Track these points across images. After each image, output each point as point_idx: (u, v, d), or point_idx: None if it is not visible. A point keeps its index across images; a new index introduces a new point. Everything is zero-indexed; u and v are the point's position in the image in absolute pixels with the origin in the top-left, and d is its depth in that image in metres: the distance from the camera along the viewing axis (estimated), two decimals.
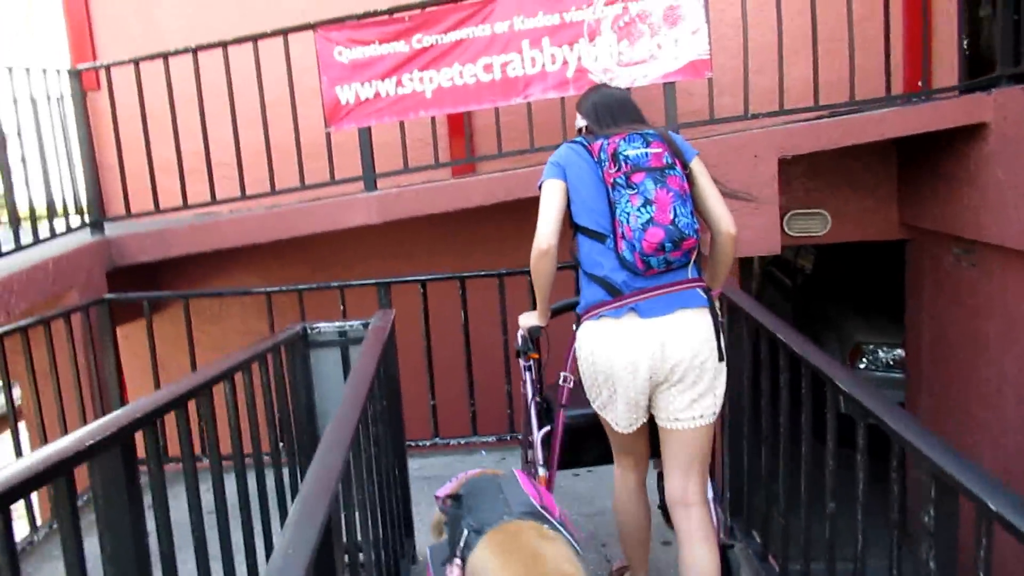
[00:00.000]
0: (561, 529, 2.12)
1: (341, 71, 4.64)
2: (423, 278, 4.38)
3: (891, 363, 6.93)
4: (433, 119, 4.86)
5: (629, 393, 2.44)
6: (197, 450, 2.16)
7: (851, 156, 5.38)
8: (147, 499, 1.74)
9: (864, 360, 6.99)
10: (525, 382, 3.13)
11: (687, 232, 2.37)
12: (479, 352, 4.47)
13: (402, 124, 4.77)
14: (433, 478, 4.12)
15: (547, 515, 2.13)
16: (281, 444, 3.03)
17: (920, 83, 5.23)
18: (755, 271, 10.07)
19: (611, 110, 2.61)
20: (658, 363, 2.40)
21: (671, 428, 2.50)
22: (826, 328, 7.71)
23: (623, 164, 2.41)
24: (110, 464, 1.50)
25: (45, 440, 3.80)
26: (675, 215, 2.36)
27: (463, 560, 2.06)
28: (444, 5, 4.54)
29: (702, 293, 2.47)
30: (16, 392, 5.85)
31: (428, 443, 4.41)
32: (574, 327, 2.61)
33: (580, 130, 2.72)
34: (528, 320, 2.89)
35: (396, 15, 4.57)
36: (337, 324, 3.14)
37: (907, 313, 5.84)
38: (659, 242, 2.35)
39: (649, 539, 2.79)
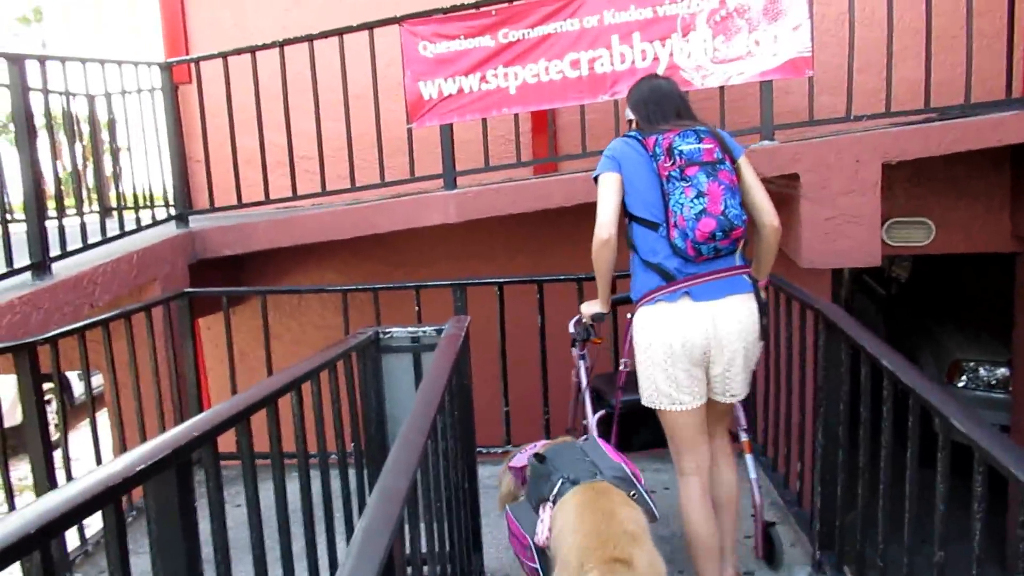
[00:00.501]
0: (648, 498, 2.34)
1: (425, 66, 4.57)
2: (500, 280, 4.26)
3: (993, 383, 6.50)
4: (516, 116, 4.74)
5: (691, 369, 2.62)
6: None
7: (960, 161, 5.01)
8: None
9: (964, 378, 6.57)
10: (579, 369, 3.30)
11: (736, 222, 2.56)
12: (555, 358, 4.33)
13: (484, 121, 4.67)
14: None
15: (635, 482, 2.35)
16: (350, 449, 2.96)
17: None
18: (845, 278, 9.62)
19: (659, 104, 2.75)
20: (711, 342, 2.59)
21: (716, 401, 2.73)
22: (922, 342, 7.28)
23: (678, 158, 2.58)
24: (164, 486, 1.43)
25: (122, 430, 3.84)
26: (725, 206, 2.55)
27: (554, 503, 2.29)
28: None
29: (748, 279, 2.67)
30: (97, 379, 6.01)
31: (500, 450, 4.29)
32: (628, 316, 2.78)
33: (631, 122, 2.88)
34: (591, 307, 3.01)
35: (483, 9, 4.46)
36: (410, 329, 3.04)
37: (1016, 331, 5.43)
38: (711, 231, 2.53)
39: (720, 554, 2.73)
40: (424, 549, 2.18)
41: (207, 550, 1.72)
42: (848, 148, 4.09)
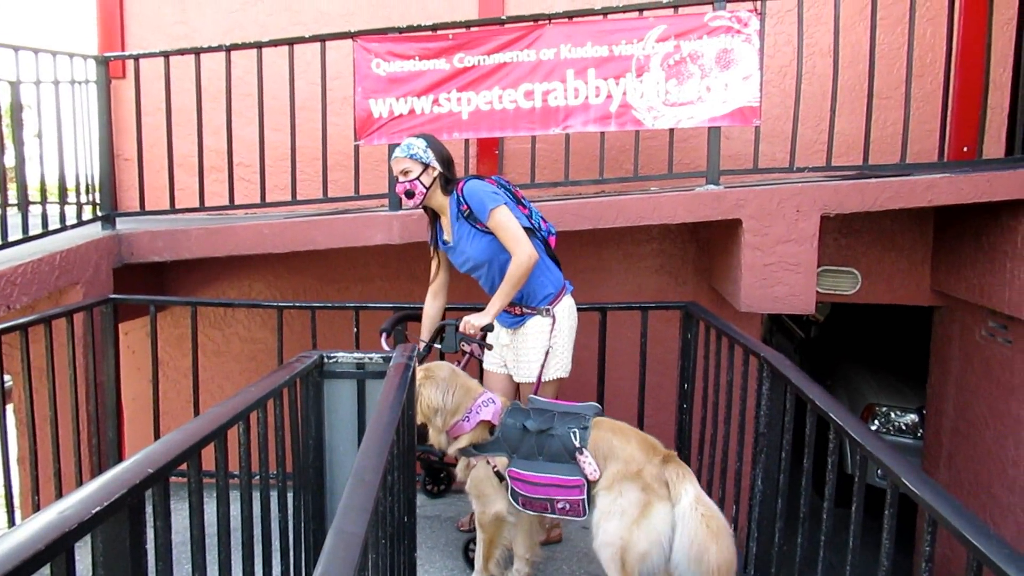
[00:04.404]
0: None
1: (377, 84, 4.49)
2: (447, 307, 4.19)
3: (903, 428, 6.77)
4: (467, 141, 4.71)
5: None
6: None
7: (887, 216, 5.23)
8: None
9: (875, 422, 6.82)
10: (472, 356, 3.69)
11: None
12: None
13: None
14: (435, 518, 3.94)
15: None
16: (284, 475, 2.84)
17: (965, 149, 5.09)
18: (764, 318, 9.89)
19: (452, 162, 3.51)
20: None
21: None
22: (836, 384, 7.54)
23: (515, 190, 3.49)
24: (114, 529, 1.32)
25: (34, 437, 3.61)
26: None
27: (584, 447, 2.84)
28: (491, 27, 4.40)
29: None
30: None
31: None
32: (549, 307, 3.37)
33: (432, 168, 3.38)
34: (481, 319, 3.26)
35: (440, 32, 4.43)
36: (356, 355, 2.95)
37: (930, 381, 5.67)
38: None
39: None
40: None
41: None
42: (790, 198, 4.20)
